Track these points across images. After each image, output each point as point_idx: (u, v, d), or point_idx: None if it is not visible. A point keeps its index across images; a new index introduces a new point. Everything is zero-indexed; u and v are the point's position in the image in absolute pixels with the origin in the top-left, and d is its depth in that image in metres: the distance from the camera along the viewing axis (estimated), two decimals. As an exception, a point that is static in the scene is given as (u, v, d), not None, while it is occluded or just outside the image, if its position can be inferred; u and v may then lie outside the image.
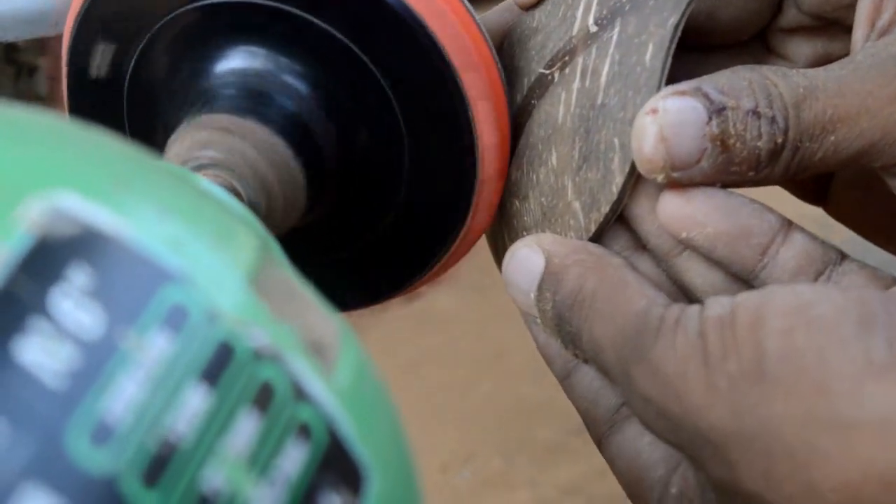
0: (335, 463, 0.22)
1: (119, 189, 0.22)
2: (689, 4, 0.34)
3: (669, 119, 0.31)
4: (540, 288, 0.33)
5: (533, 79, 0.38)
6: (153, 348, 0.20)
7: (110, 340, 0.20)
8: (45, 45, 0.58)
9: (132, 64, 0.37)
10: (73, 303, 0.20)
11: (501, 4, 0.41)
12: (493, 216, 0.39)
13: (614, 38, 0.35)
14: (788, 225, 0.33)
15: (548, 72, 0.37)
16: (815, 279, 0.32)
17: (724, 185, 0.32)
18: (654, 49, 0.34)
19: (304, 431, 0.22)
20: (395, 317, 1.10)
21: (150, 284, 0.21)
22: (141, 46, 0.36)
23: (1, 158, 0.21)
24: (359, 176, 0.37)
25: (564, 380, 0.36)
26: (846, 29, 0.36)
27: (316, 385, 0.22)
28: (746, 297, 0.28)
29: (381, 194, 0.37)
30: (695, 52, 0.39)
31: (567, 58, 0.36)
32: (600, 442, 0.35)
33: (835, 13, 0.36)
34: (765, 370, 0.27)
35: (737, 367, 0.27)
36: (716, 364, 0.27)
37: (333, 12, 0.34)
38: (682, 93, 0.31)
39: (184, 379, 0.20)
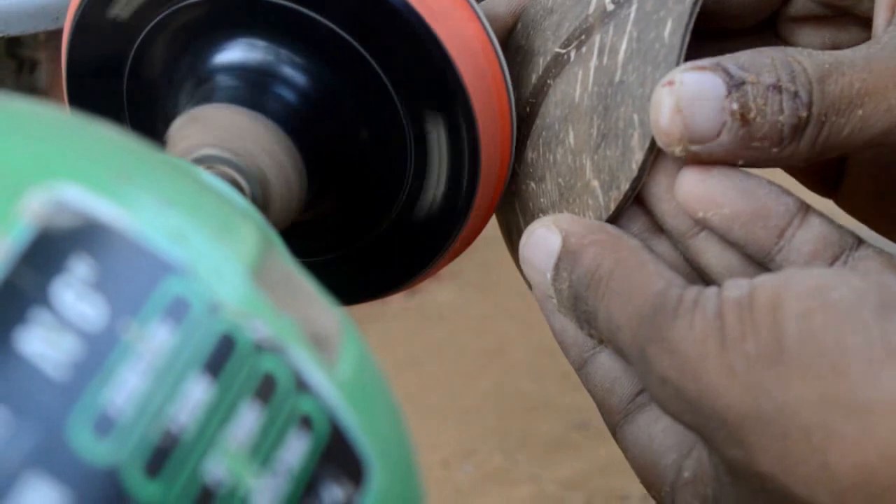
0: (336, 455, 0.22)
1: (121, 181, 0.22)
2: None
3: (686, 91, 0.31)
4: (556, 267, 0.33)
5: (549, 58, 0.38)
6: (155, 340, 0.20)
7: (112, 332, 0.20)
8: (46, 40, 0.58)
9: (133, 51, 0.37)
10: (75, 294, 0.20)
11: None
12: (494, 210, 0.39)
13: (632, 14, 0.35)
14: (806, 208, 0.33)
15: (564, 51, 0.37)
16: (831, 263, 0.32)
17: (750, 164, 0.32)
18: (673, 25, 0.33)
19: (306, 423, 0.22)
20: (396, 312, 1.10)
21: (152, 276, 0.21)
22: (142, 35, 0.36)
23: (3, 150, 0.21)
24: (361, 170, 0.37)
25: (580, 369, 0.36)
26: (855, 20, 0.36)
27: (317, 377, 0.22)
28: (765, 280, 0.28)
29: (383, 189, 0.37)
30: (704, 37, 0.39)
31: (583, 36, 0.36)
32: (615, 431, 0.35)
33: (846, 1, 0.36)
34: (783, 352, 0.27)
35: (754, 349, 0.27)
36: (733, 345, 0.27)
37: (335, 8, 0.34)
38: (702, 68, 0.31)
39: (185, 370, 0.20)
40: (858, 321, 0.26)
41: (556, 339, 0.36)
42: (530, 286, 0.39)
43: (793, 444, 0.26)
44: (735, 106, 0.31)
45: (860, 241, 0.33)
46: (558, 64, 0.37)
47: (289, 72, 0.35)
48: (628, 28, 0.35)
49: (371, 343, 0.26)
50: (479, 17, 0.36)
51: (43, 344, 0.19)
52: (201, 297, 0.21)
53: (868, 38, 0.34)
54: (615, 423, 0.35)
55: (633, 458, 0.34)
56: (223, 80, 0.35)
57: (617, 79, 0.35)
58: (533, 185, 0.38)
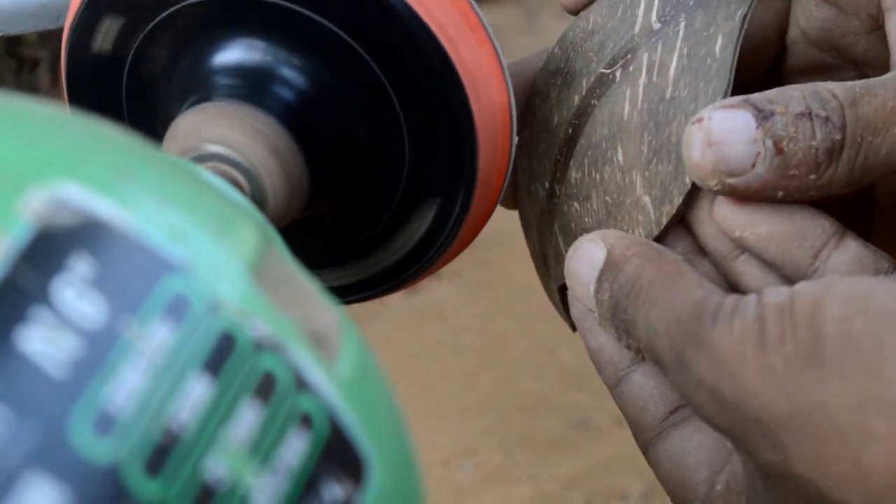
0: (336, 453, 0.22)
1: (120, 179, 0.22)
2: None
3: (716, 125, 0.32)
4: (599, 279, 0.33)
5: (592, 79, 0.38)
6: (155, 338, 0.20)
7: (112, 330, 0.20)
8: (47, 39, 0.58)
9: (132, 50, 0.37)
10: (75, 292, 0.20)
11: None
12: (496, 203, 0.39)
13: (681, 32, 0.35)
14: (843, 231, 0.33)
15: (609, 71, 0.37)
16: None
17: (791, 195, 0.32)
18: (724, 40, 0.34)
19: (306, 421, 0.22)
20: (395, 310, 1.10)
21: (152, 274, 0.21)
22: (142, 35, 0.36)
23: (3, 148, 0.21)
24: (359, 168, 0.37)
25: (614, 388, 0.36)
26: (856, 66, 0.37)
27: (317, 375, 0.22)
28: (805, 286, 0.29)
29: (382, 187, 0.37)
30: None
31: (629, 56, 0.37)
32: (647, 449, 0.35)
33: (844, 40, 0.36)
34: (821, 353, 0.27)
35: (793, 350, 0.27)
36: (772, 346, 0.28)
37: (333, 9, 0.34)
38: (730, 106, 0.32)
39: (186, 369, 0.20)
40: None
41: (592, 358, 0.36)
42: (558, 309, 0.39)
43: (827, 445, 0.27)
44: (766, 135, 0.31)
45: (895, 266, 0.33)
46: (603, 84, 0.38)
47: (288, 71, 0.35)
48: (678, 45, 0.35)
49: (370, 342, 0.26)
50: (479, 18, 0.36)
51: (43, 342, 0.19)
52: (201, 295, 0.21)
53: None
54: (648, 440, 0.35)
55: (665, 475, 0.35)
56: (222, 80, 0.35)
57: (668, 95, 0.35)
58: (577, 205, 0.38)
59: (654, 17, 0.36)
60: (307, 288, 0.24)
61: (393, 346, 1.05)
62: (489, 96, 0.36)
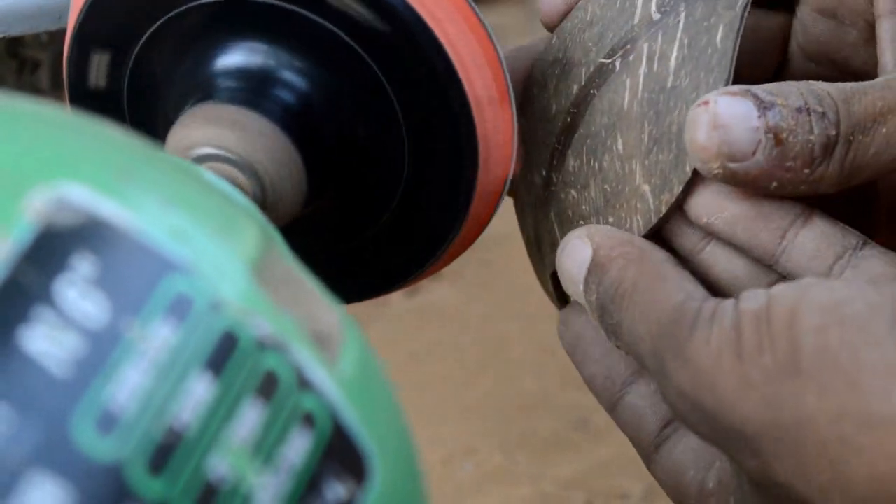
0: (339, 452, 0.22)
1: (123, 179, 0.22)
2: None
3: (721, 109, 0.32)
4: (587, 280, 0.34)
5: (592, 69, 0.38)
6: (157, 338, 0.20)
7: (115, 329, 0.20)
8: (48, 40, 0.58)
9: (134, 54, 0.37)
10: (78, 292, 0.20)
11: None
12: (497, 206, 0.39)
13: (681, 22, 0.35)
14: (809, 211, 0.33)
15: (608, 61, 0.37)
16: (835, 263, 0.33)
17: (783, 188, 0.32)
18: (725, 30, 0.34)
19: (308, 421, 0.22)
20: (396, 311, 1.10)
21: (154, 274, 0.21)
22: (140, 43, 0.36)
23: (6, 149, 0.21)
24: (359, 169, 0.37)
25: (612, 412, 0.37)
26: (855, 79, 0.37)
27: (319, 375, 0.22)
28: (781, 292, 0.28)
29: (382, 187, 0.38)
30: None
31: (629, 46, 0.37)
32: (649, 465, 0.36)
33: (841, 52, 0.37)
34: (799, 365, 0.27)
35: (771, 362, 0.27)
36: (750, 357, 0.28)
37: (334, 10, 0.34)
38: (732, 93, 0.32)
39: (188, 368, 0.20)
40: (873, 336, 0.26)
41: (588, 386, 0.37)
42: (550, 296, 0.40)
43: (809, 457, 0.27)
44: (770, 123, 0.31)
45: (865, 241, 0.33)
46: (602, 74, 0.38)
47: (288, 73, 0.35)
48: (678, 35, 0.35)
49: (371, 342, 0.26)
50: (479, 19, 0.36)
51: (46, 342, 0.19)
52: (203, 294, 0.21)
53: None
54: (647, 455, 0.36)
55: (664, 484, 0.35)
56: (223, 82, 0.35)
57: (669, 84, 0.35)
58: (574, 192, 0.38)
59: (653, 7, 0.36)
60: (309, 287, 0.24)
61: (393, 346, 1.05)
62: (490, 97, 0.36)
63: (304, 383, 0.22)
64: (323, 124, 0.35)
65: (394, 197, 0.38)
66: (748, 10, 0.34)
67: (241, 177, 0.32)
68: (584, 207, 0.38)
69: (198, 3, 0.35)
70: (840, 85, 0.32)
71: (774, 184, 0.32)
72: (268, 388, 0.21)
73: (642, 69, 0.36)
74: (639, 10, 0.37)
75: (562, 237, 0.38)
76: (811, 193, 0.33)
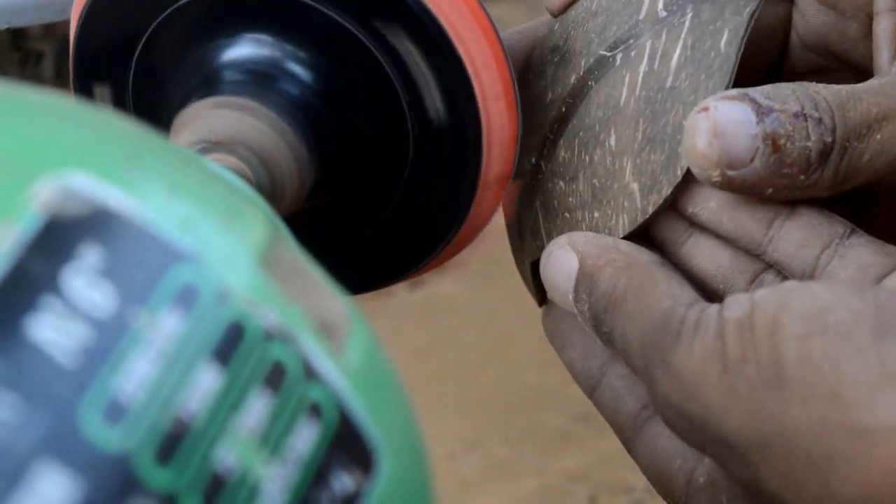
0: (346, 443, 0.22)
1: (129, 169, 0.22)
2: None
3: (721, 116, 0.32)
4: (576, 289, 0.34)
5: (592, 60, 0.38)
6: (164, 327, 0.20)
7: (122, 319, 0.20)
8: (51, 32, 0.58)
9: (140, 46, 0.37)
10: (85, 281, 0.20)
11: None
12: (499, 202, 0.39)
13: (687, 23, 0.35)
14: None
15: (609, 54, 0.37)
16: (821, 252, 0.32)
17: (778, 193, 0.32)
18: (730, 35, 0.34)
19: (315, 411, 0.22)
20: (401, 304, 1.10)
21: (161, 264, 0.21)
22: (150, 30, 0.36)
23: (13, 139, 0.21)
24: (364, 161, 0.37)
25: (591, 396, 0.37)
26: (854, 70, 0.37)
27: (326, 365, 0.22)
28: (764, 298, 0.28)
29: (386, 180, 0.37)
30: None
31: (631, 41, 0.37)
32: (629, 448, 0.36)
33: (841, 45, 0.37)
34: (782, 376, 0.27)
35: (755, 372, 0.27)
36: (734, 368, 0.28)
37: (341, 0, 0.34)
38: (731, 97, 0.32)
39: (195, 358, 0.20)
40: (855, 346, 0.26)
41: (568, 371, 0.37)
42: (527, 283, 0.40)
43: (795, 467, 0.27)
44: (768, 130, 0.31)
45: (852, 230, 0.33)
46: (602, 66, 0.37)
47: (294, 64, 0.35)
48: (682, 35, 0.35)
49: (376, 335, 0.25)
50: (485, 14, 0.36)
51: (53, 331, 0.19)
52: (210, 284, 0.21)
53: None
54: (628, 439, 0.36)
55: (646, 469, 0.35)
56: (229, 74, 0.35)
57: (668, 85, 0.35)
58: (562, 183, 0.38)
59: (661, 4, 0.36)
60: (315, 278, 0.24)
61: (397, 340, 1.05)
62: (495, 90, 0.36)
63: (310, 374, 0.22)
64: (328, 117, 0.35)
65: (397, 190, 0.37)
66: (755, 17, 0.34)
67: (247, 168, 0.32)
68: (570, 200, 0.38)
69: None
70: (835, 88, 0.32)
71: (770, 190, 0.32)
72: (275, 378, 0.21)
73: (643, 66, 0.36)
74: (645, 6, 0.37)
75: (545, 227, 0.37)
76: (804, 197, 0.33)
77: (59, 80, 0.58)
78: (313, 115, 0.35)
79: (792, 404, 0.27)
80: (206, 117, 0.33)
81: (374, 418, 0.23)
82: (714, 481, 0.32)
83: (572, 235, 0.35)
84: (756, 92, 0.32)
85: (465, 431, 0.96)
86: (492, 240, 0.43)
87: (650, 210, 0.35)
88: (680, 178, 0.34)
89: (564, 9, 0.40)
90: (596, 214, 0.37)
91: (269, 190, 0.33)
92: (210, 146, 0.32)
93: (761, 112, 0.31)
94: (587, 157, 0.37)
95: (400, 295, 1.11)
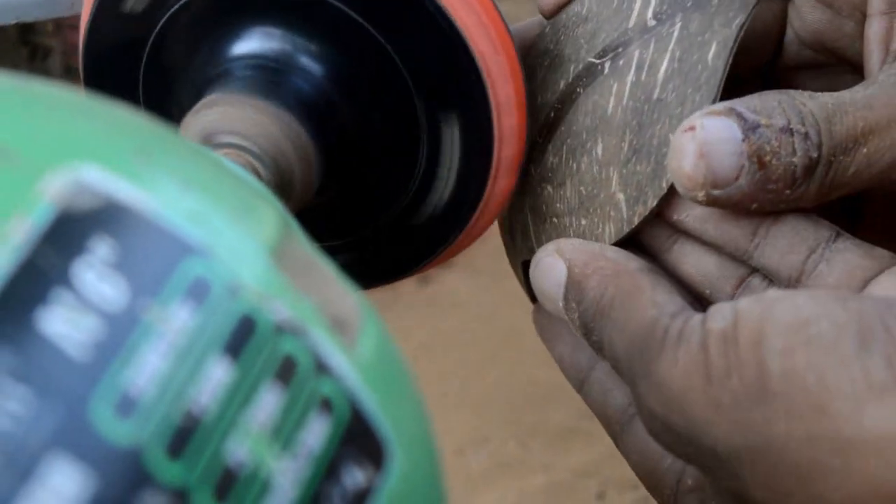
0: (357, 437, 0.22)
1: (141, 162, 0.22)
2: (754, 6, 0.34)
3: (707, 136, 0.31)
4: (566, 297, 0.33)
5: (581, 67, 0.38)
6: (176, 321, 0.20)
7: (133, 312, 0.20)
8: (59, 27, 0.58)
9: (150, 42, 0.37)
10: (96, 274, 0.20)
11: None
12: (509, 198, 0.39)
13: (675, 33, 0.35)
14: None
15: (598, 61, 0.37)
16: (808, 257, 0.32)
17: (763, 207, 0.32)
18: (718, 48, 0.34)
19: (326, 405, 0.22)
20: (408, 301, 1.10)
21: (172, 257, 0.21)
22: (159, 26, 0.36)
23: (24, 132, 0.21)
24: (373, 157, 0.37)
25: (580, 390, 0.37)
26: (850, 67, 0.36)
27: (338, 359, 0.22)
28: (748, 309, 0.28)
29: (395, 175, 0.37)
30: None
31: (620, 49, 0.36)
32: (617, 442, 0.36)
33: (837, 42, 0.36)
34: (767, 389, 0.27)
35: (739, 385, 0.27)
36: (718, 380, 0.27)
37: None
38: (717, 113, 0.32)
39: (206, 351, 0.20)
40: (839, 358, 0.26)
41: (558, 366, 0.38)
42: (520, 282, 0.40)
43: (783, 479, 0.27)
44: (753, 148, 0.31)
45: (838, 233, 0.33)
46: (591, 74, 0.37)
47: (304, 59, 0.35)
48: (670, 46, 0.35)
49: (384, 332, 0.25)
50: (496, 8, 0.35)
51: (64, 324, 0.19)
52: (222, 278, 0.21)
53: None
54: (615, 433, 0.36)
55: (635, 464, 0.35)
56: (239, 68, 0.35)
57: (655, 96, 0.35)
58: (550, 189, 0.38)
59: (650, 13, 0.36)
60: (326, 272, 0.24)
61: (406, 336, 1.05)
62: (507, 88, 0.36)
63: (322, 368, 0.22)
64: (338, 112, 0.35)
65: (408, 185, 0.37)
66: (744, 30, 0.34)
67: (257, 164, 0.32)
68: (558, 205, 0.38)
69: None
70: (822, 100, 0.32)
71: (755, 205, 0.32)
72: (286, 372, 0.21)
73: (630, 76, 0.36)
74: (635, 14, 0.36)
75: (534, 230, 0.38)
76: (788, 209, 0.33)
77: (67, 75, 0.58)
78: (323, 110, 0.35)
79: (777, 417, 0.26)
80: (216, 113, 0.33)
81: (385, 413, 0.23)
82: (704, 485, 0.32)
83: (560, 242, 0.35)
84: (742, 106, 0.32)
85: (473, 427, 0.96)
86: (499, 236, 0.43)
87: (636, 221, 0.35)
88: (665, 190, 0.34)
89: (556, 10, 0.40)
90: (583, 222, 0.37)
91: (279, 186, 0.33)
92: (219, 142, 0.32)
93: (747, 128, 0.31)
94: (574, 165, 0.37)
95: (407, 291, 1.11)
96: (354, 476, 0.22)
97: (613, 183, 0.35)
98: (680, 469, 0.33)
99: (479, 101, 0.35)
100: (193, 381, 0.20)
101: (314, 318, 0.22)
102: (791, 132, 0.31)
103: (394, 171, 0.37)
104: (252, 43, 0.35)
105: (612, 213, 0.35)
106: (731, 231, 0.33)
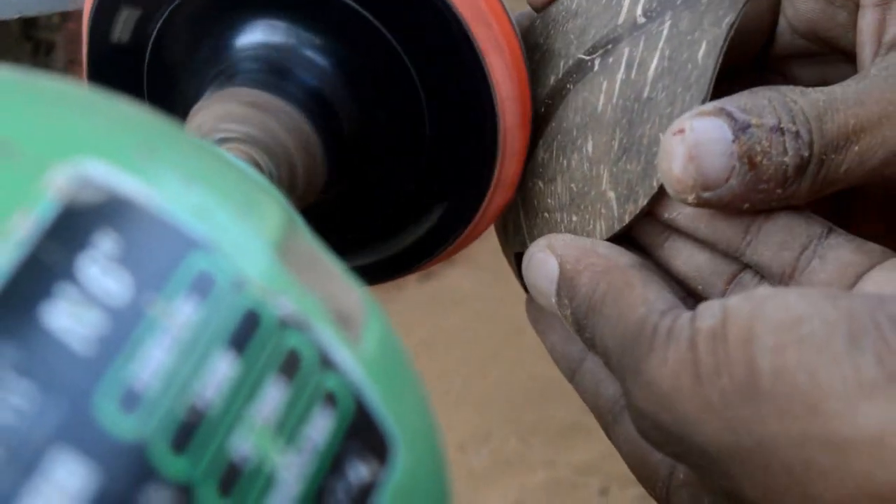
0: (361, 432, 0.22)
1: (145, 157, 0.22)
2: (745, 4, 0.33)
3: (697, 138, 0.31)
4: (558, 294, 0.33)
5: (571, 63, 0.38)
6: (180, 315, 0.20)
7: (137, 307, 0.20)
8: (63, 22, 0.58)
9: (153, 36, 0.37)
10: (100, 269, 0.20)
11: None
12: (513, 195, 0.39)
13: (665, 32, 0.35)
14: None
15: (588, 58, 0.37)
16: (800, 253, 0.32)
17: (755, 207, 0.32)
18: (708, 47, 0.34)
19: (331, 400, 0.22)
20: (410, 296, 1.10)
21: (177, 252, 0.21)
22: (162, 19, 0.36)
23: (28, 126, 0.21)
24: (379, 151, 0.37)
25: (571, 380, 0.37)
26: (842, 56, 0.36)
27: (342, 354, 0.22)
28: (737, 307, 0.28)
29: (401, 170, 0.37)
30: None
31: (610, 46, 0.36)
32: (608, 432, 0.36)
33: (830, 32, 0.36)
34: (757, 388, 0.26)
35: (729, 384, 0.27)
36: (708, 379, 0.27)
37: None
38: (707, 113, 0.31)
39: (211, 346, 0.20)
40: (830, 357, 0.26)
41: (550, 356, 0.38)
42: (515, 274, 0.40)
43: (775, 478, 0.27)
44: (743, 149, 0.31)
45: (830, 229, 0.33)
46: (581, 70, 0.37)
47: (309, 52, 0.35)
48: (660, 45, 0.35)
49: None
50: (500, 2, 0.35)
51: (68, 318, 0.19)
52: (226, 272, 0.21)
53: (855, 73, 0.34)
54: (607, 424, 0.36)
55: (626, 456, 0.35)
56: (243, 63, 0.35)
57: (645, 95, 0.35)
58: (541, 184, 0.38)
59: (639, 10, 0.36)
60: (331, 267, 0.24)
61: (408, 332, 1.05)
62: (511, 84, 0.36)
63: (326, 362, 0.22)
64: (342, 106, 0.35)
65: (413, 180, 0.37)
66: (734, 29, 0.34)
67: (261, 159, 0.32)
68: (549, 201, 0.38)
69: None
70: (812, 97, 0.32)
71: (746, 205, 0.32)
72: (290, 367, 0.21)
73: (620, 74, 0.36)
74: (624, 11, 0.36)
75: (526, 224, 0.38)
76: (779, 207, 0.33)
77: (70, 71, 0.58)
78: (328, 105, 0.35)
79: (769, 417, 0.26)
80: (220, 108, 0.33)
81: (389, 408, 0.23)
82: (696, 480, 0.32)
83: (551, 238, 0.35)
84: (732, 105, 0.31)
85: (475, 424, 0.96)
86: (501, 231, 0.43)
87: (627, 219, 0.35)
88: (656, 189, 0.34)
89: (547, 3, 0.40)
90: (574, 218, 0.36)
91: (283, 180, 0.33)
92: (224, 137, 0.32)
93: (738, 128, 0.31)
94: (565, 162, 0.37)
95: (410, 287, 1.11)
96: (359, 471, 0.22)
97: (604, 181, 0.35)
98: (672, 462, 0.33)
99: (482, 96, 0.35)
100: (198, 376, 0.20)
101: (318, 312, 0.22)
102: (782, 131, 0.31)
103: (398, 167, 0.37)
104: (256, 35, 0.35)
105: (603, 211, 0.35)
106: (722, 229, 0.33)
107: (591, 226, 0.36)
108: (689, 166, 0.31)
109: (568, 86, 0.37)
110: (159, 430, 0.19)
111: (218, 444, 0.20)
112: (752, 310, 0.27)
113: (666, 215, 0.34)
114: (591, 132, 0.36)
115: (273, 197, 0.25)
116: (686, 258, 0.34)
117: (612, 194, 0.35)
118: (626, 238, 0.35)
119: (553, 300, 0.34)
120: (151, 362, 0.19)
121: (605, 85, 0.36)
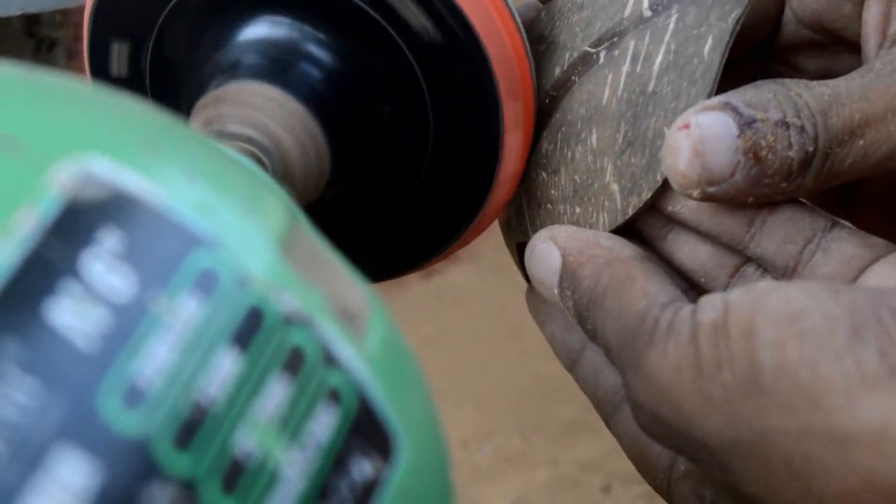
0: (365, 429, 0.22)
1: (149, 153, 0.22)
2: (750, 0, 0.33)
3: (702, 133, 0.31)
4: (560, 286, 0.33)
5: (576, 55, 0.37)
6: (184, 312, 0.20)
7: (141, 303, 0.20)
8: (65, 18, 0.58)
9: (156, 30, 0.36)
10: (104, 266, 0.20)
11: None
12: (515, 188, 0.39)
13: (671, 26, 0.35)
14: None
15: (594, 50, 0.37)
16: (804, 247, 0.32)
17: (759, 200, 0.32)
18: (714, 42, 0.34)
19: (334, 397, 0.22)
20: (413, 294, 1.10)
21: (180, 248, 0.21)
22: (165, 12, 0.36)
23: (32, 122, 0.21)
24: (382, 148, 0.37)
25: (571, 370, 0.37)
26: (847, 46, 0.36)
27: (345, 351, 0.22)
28: (739, 300, 0.28)
29: (404, 167, 0.37)
30: None
31: (616, 38, 0.36)
32: (608, 423, 0.36)
33: (835, 23, 0.36)
34: (759, 382, 0.26)
35: (731, 378, 0.27)
36: (709, 373, 0.27)
37: None
38: (712, 108, 0.31)
39: (214, 343, 0.20)
40: (832, 350, 0.26)
41: (550, 346, 0.38)
42: (517, 264, 0.40)
43: (776, 472, 0.26)
44: (748, 144, 0.31)
45: (834, 222, 0.33)
46: (586, 62, 0.37)
47: (312, 48, 0.35)
48: (666, 39, 0.35)
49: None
50: (507, 4, 0.35)
51: (72, 315, 0.19)
52: (230, 269, 0.21)
53: (860, 64, 0.34)
54: (607, 415, 0.35)
55: (625, 446, 0.35)
56: (246, 58, 0.35)
57: (650, 89, 0.35)
58: (545, 175, 0.38)
59: (646, 3, 0.36)
60: (335, 264, 0.24)
61: (411, 329, 1.05)
62: (515, 80, 0.36)
63: (330, 359, 0.22)
64: (347, 103, 0.35)
65: (415, 179, 0.37)
66: (740, 24, 0.34)
67: (263, 155, 0.32)
68: (552, 192, 0.38)
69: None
70: (817, 91, 0.32)
71: (751, 199, 0.32)
72: (294, 363, 0.21)
73: (625, 67, 0.36)
74: (630, 4, 0.36)
75: (529, 215, 0.37)
76: (783, 200, 0.32)
77: (72, 68, 0.58)
78: (332, 100, 0.35)
79: (770, 411, 0.26)
80: (223, 104, 0.33)
81: (393, 405, 0.23)
82: (697, 473, 0.32)
83: (554, 229, 0.35)
84: (737, 99, 0.31)
85: (478, 420, 0.96)
86: (505, 229, 0.43)
87: (630, 212, 0.35)
88: (660, 182, 0.34)
89: None
90: (577, 210, 0.36)
91: (286, 179, 0.33)
92: (227, 133, 0.32)
93: (743, 123, 0.31)
94: (569, 153, 0.37)
95: (412, 284, 1.11)
96: (362, 467, 0.22)
97: (608, 173, 0.35)
98: (672, 454, 0.33)
99: (485, 92, 0.35)
100: (201, 373, 0.20)
101: (322, 309, 0.22)
102: (787, 126, 0.31)
103: (402, 162, 0.37)
104: (259, 30, 0.35)
105: (607, 203, 0.35)
106: (726, 222, 0.33)
107: (595, 218, 0.36)
108: (695, 162, 0.31)
109: (573, 78, 0.37)
110: (163, 426, 0.19)
111: (221, 440, 0.20)
112: (754, 303, 0.27)
113: (669, 208, 0.34)
114: (596, 125, 0.36)
115: (276, 193, 0.25)
116: (689, 251, 0.34)
117: (615, 187, 0.35)
118: (629, 230, 0.35)
119: (555, 291, 0.34)
120: (155, 359, 0.19)
121: (610, 77, 0.36)
